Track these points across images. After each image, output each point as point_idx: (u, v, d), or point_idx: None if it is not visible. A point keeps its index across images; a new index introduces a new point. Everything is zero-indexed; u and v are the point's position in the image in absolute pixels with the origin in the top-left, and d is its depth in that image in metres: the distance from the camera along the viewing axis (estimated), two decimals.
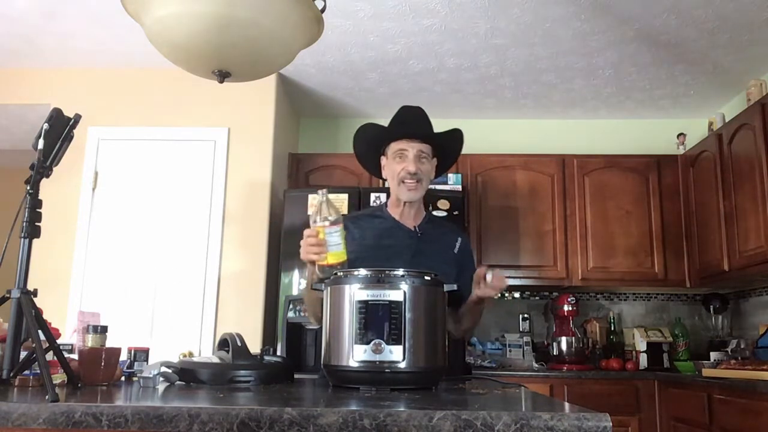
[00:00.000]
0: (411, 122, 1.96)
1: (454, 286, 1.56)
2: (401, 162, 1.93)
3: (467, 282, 1.90)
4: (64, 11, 3.33)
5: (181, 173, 3.82)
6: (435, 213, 3.50)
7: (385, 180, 2.12)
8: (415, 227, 2.00)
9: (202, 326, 3.61)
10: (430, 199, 3.55)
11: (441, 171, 2.07)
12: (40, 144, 1.46)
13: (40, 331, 1.34)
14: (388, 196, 3.83)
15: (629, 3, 3.14)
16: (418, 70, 3.93)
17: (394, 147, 1.96)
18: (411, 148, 1.93)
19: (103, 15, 3.36)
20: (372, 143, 2.04)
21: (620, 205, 4.12)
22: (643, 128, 4.64)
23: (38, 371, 1.30)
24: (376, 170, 2.09)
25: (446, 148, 2.04)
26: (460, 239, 2.06)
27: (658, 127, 4.62)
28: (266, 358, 1.67)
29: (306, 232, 1.65)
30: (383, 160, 2.03)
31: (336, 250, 1.61)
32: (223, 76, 1.84)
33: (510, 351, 4.09)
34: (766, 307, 3.87)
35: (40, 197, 1.46)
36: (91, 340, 1.50)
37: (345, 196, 3.58)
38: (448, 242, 2.03)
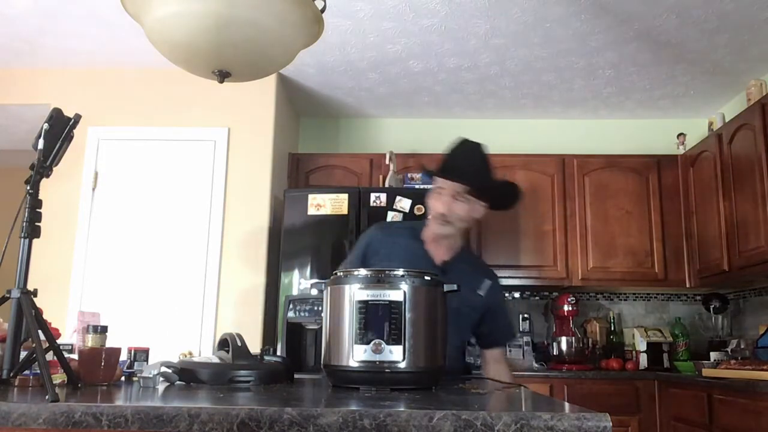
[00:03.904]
0: (457, 164, 1.93)
1: (454, 286, 1.55)
2: (437, 200, 1.91)
3: (493, 328, 1.93)
4: (64, 11, 3.33)
5: (181, 173, 3.82)
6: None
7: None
8: (443, 261, 1.95)
9: (202, 326, 3.61)
10: None
11: (495, 209, 2.01)
12: (40, 144, 1.46)
13: (40, 331, 1.33)
14: (388, 197, 3.82)
15: (629, 3, 3.14)
16: (418, 70, 3.93)
17: (437, 180, 1.94)
18: (448, 187, 1.90)
19: (103, 15, 3.36)
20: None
21: (620, 205, 4.12)
22: (643, 128, 4.64)
23: (38, 371, 1.29)
24: None
25: (497, 198, 1.97)
26: (488, 281, 2.00)
27: (658, 127, 4.62)
28: (266, 358, 1.67)
29: None
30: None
31: None
32: (223, 76, 1.84)
33: (510, 351, 4.09)
34: (766, 307, 3.87)
35: (40, 197, 1.45)
36: (91, 340, 1.50)
37: (345, 196, 3.57)
38: (473, 283, 1.95)
